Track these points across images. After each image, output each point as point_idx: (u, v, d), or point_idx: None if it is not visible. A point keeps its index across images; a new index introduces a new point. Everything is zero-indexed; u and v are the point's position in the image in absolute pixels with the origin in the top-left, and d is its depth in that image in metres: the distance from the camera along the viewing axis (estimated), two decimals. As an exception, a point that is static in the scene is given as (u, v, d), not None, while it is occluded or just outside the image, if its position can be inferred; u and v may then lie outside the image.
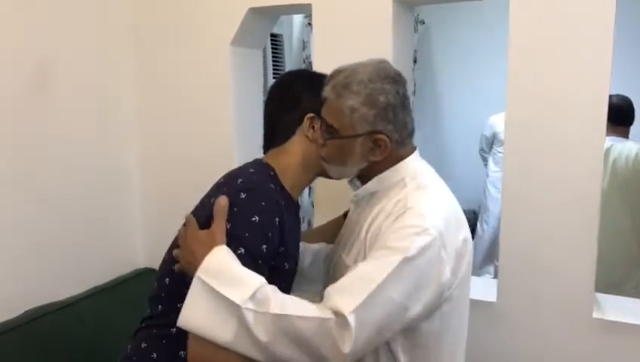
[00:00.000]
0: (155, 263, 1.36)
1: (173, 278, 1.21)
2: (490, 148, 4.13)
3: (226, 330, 1.00)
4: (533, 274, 1.59)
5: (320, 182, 1.79)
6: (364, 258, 1.10)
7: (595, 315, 1.54)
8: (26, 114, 1.75)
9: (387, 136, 1.15)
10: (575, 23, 1.47)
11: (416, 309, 1.04)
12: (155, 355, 1.21)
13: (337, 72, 1.19)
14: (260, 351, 0.99)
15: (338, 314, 0.97)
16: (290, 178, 1.27)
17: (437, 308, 1.10)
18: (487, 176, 4.16)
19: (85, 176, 1.96)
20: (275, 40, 3.44)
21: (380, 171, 1.21)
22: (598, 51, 1.45)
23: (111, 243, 2.07)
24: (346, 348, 0.96)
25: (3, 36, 1.68)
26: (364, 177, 1.25)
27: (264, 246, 1.13)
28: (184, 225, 1.17)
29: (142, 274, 2.08)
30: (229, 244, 1.09)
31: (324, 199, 1.88)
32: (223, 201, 1.11)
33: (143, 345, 1.23)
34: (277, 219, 1.16)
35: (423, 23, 4.53)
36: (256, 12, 1.94)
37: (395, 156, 1.20)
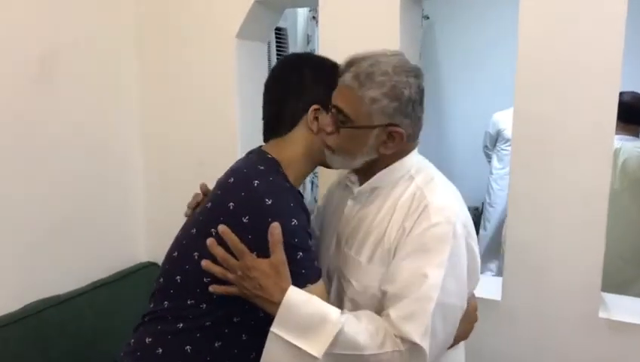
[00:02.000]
0: (158, 257, 1.35)
1: (185, 277, 1.19)
2: (494, 145, 4.11)
3: None
4: (538, 273, 1.57)
5: (323, 177, 1.78)
6: (393, 256, 1.12)
7: (601, 315, 1.53)
8: (29, 107, 1.74)
9: (403, 130, 1.14)
10: (586, 19, 1.45)
11: (465, 302, 1.12)
12: (160, 350, 1.19)
13: (359, 60, 1.15)
14: None
15: (410, 342, 1.01)
16: (294, 170, 1.25)
17: None
18: (491, 173, 4.15)
19: (88, 169, 1.95)
20: (280, 34, 3.42)
21: (384, 165, 1.20)
22: (609, 47, 1.44)
23: (113, 237, 2.06)
24: None
25: (5, 28, 1.66)
26: (362, 171, 1.23)
27: (310, 242, 1.15)
28: (205, 231, 1.15)
29: (144, 269, 2.07)
30: (287, 256, 1.08)
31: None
32: (276, 230, 1.06)
33: (148, 339, 1.21)
34: (304, 215, 1.16)
35: (427, 17, 4.51)
36: (261, 5, 1.92)
37: (400, 150, 1.19)
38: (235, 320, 1.18)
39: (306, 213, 1.18)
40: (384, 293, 1.09)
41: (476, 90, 4.58)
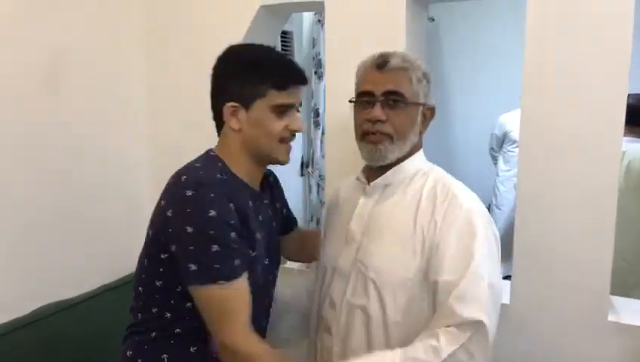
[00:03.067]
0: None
1: (143, 286, 1.23)
2: (501, 147, 4.10)
3: None
4: (547, 276, 1.57)
5: (329, 179, 1.78)
6: (431, 248, 1.18)
7: (610, 318, 1.52)
8: (36, 110, 1.75)
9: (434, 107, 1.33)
10: (593, 20, 1.45)
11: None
12: (140, 361, 1.22)
13: (391, 52, 1.30)
14: None
15: (471, 321, 1.09)
16: (238, 165, 1.24)
17: None
18: (497, 175, 4.13)
19: (94, 173, 1.96)
20: (285, 37, 3.42)
21: (397, 162, 1.29)
22: (617, 49, 1.43)
23: (119, 241, 2.07)
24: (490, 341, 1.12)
25: (13, 33, 1.67)
26: (373, 170, 1.32)
27: (233, 234, 1.12)
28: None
29: (151, 273, 2.06)
30: (199, 247, 1.09)
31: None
32: None
33: (129, 353, 1.25)
34: (231, 205, 1.14)
35: (432, 20, 4.50)
36: (267, 10, 1.93)
37: (416, 146, 1.32)
38: (203, 327, 1.17)
39: (239, 207, 1.15)
40: (435, 284, 1.15)
41: (481, 92, 4.57)
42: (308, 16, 3.79)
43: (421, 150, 1.35)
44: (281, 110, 1.22)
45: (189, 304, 1.16)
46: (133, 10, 2.08)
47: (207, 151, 1.27)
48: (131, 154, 2.13)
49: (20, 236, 1.71)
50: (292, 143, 1.30)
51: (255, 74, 1.20)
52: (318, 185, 3.84)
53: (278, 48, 3.24)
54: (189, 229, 1.09)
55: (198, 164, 1.20)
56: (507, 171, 4.03)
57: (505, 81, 4.20)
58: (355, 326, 1.26)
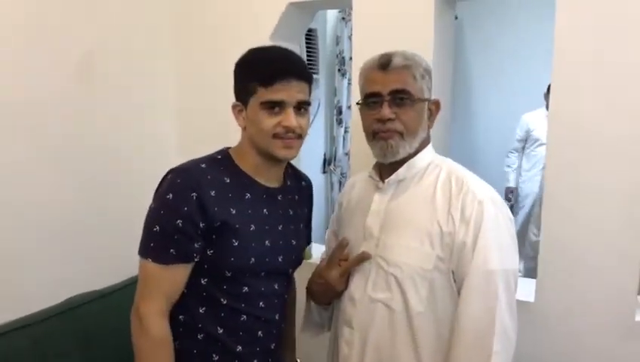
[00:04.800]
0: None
1: None
2: (524, 146, 4.07)
3: None
4: (573, 275, 1.56)
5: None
6: (452, 241, 1.23)
7: (637, 318, 1.51)
8: (68, 107, 1.80)
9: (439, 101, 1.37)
10: (624, 17, 1.44)
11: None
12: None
13: (392, 52, 1.33)
14: None
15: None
16: (246, 161, 1.30)
17: None
18: (520, 174, 4.11)
19: (126, 165, 2.00)
20: (309, 35, 3.44)
21: (409, 157, 1.32)
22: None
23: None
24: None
25: (45, 30, 1.72)
26: (384, 166, 1.36)
27: (179, 221, 1.17)
28: None
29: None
30: (148, 223, 1.21)
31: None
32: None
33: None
34: (194, 194, 1.18)
35: (456, 18, 4.47)
36: (295, 7, 1.95)
37: (425, 140, 1.36)
38: (201, 310, 1.27)
39: (208, 198, 1.20)
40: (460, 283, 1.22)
41: (505, 91, 4.54)
42: (332, 14, 3.80)
43: (430, 144, 1.38)
44: (270, 106, 1.22)
45: (202, 309, 1.26)
46: (161, 8, 2.11)
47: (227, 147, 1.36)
48: (161, 151, 2.17)
49: (51, 230, 1.75)
50: (307, 140, 1.32)
51: (246, 73, 1.26)
52: (340, 183, 3.86)
53: (303, 45, 3.26)
54: (152, 205, 1.23)
55: (202, 156, 1.31)
56: (528, 171, 4.00)
57: (528, 79, 4.17)
58: (376, 320, 1.29)
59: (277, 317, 1.36)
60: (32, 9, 1.68)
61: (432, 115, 1.36)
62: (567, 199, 1.55)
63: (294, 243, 1.39)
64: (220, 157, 1.30)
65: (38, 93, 1.70)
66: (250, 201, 1.27)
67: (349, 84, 3.65)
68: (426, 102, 1.33)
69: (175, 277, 1.23)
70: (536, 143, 3.91)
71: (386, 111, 1.27)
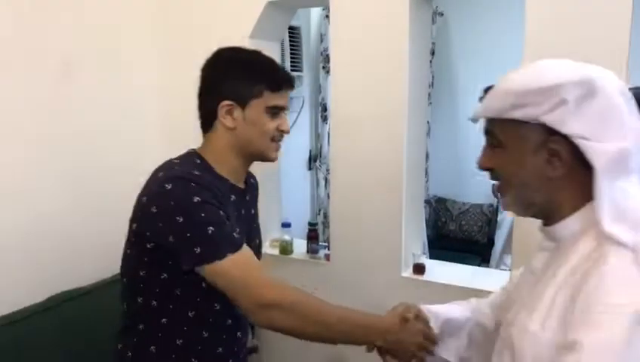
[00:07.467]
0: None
1: (129, 276, 1.28)
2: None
3: None
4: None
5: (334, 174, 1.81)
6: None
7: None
8: (51, 107, 1.80)
9: None
10: (592, 14, 1.47)
11: None
12: (130, 354, 1.28)
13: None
14: None
15: None
16: (223, 165, 1.28)
17: None
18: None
19: (109, 166, 2.01)
20: (293, 32, 3.45)
21: None
22: (615, 41, 1.45)
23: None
24: None
25: (29, 31, 1.72)
26: None
27: (220, 212, 1.17)
28: None
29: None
30: (195, 232, 1.12)
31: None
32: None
33: (119, 346, 1.31)
34: (210, 192, 1.17)
35: (442, 14, 4.50)
36: (274, 5, 1.96)
37: None
38: (190, 314, 1.22)
39: (219, 198, 1.18)
40: None
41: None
42: (316, 12, 3.81)
43: None
44: (274, 111, 1.26)
45: (177, 291, 1.21)
46: (142, 7, 2.12)
47: (188, 151, 1.32)
48: (143, 145, 2.18)
49: (38, 225, 1.76)
50: (292, 137, 1.36)
51: (252, 75, 1.25)
52: (326, 180, 3.88)
53: (287, 43, 3.27)
54: (180, 219, 1.12)
55: (176, 160, 1.26)
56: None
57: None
58: None
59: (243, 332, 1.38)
60: (12, 9, 1.69)
61: None
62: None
63: (258, 241, 1.43)
64: (198, 161, 1.26)
65: (18, 94, 1.71)
66: (234, 203, 1.28)
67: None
68: None
69: (249, 251, 1.19)
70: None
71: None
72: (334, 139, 1.99)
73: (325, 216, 3.83)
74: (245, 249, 1.17)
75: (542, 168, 0.88)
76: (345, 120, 1.91)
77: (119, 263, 1.31)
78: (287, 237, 2.19)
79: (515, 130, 0.90)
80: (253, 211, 1.42)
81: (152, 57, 2.17)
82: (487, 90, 0.97)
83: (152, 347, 1.25)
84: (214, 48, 2.03)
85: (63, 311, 1.69)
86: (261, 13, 1.95)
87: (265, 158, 1.31)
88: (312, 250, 2.17)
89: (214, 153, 1.28)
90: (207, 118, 1.29)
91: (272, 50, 2.15)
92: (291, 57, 3.38)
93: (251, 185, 1.43)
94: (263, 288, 1.14)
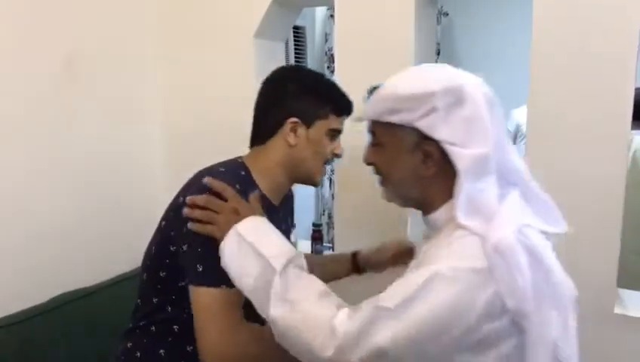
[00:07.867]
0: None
1: (149, 274, 1.25)
2: (514, 141, 4.09)
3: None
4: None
5: (339, 173, 1.80)
6: None
7: (617, 311, 1.52)
8: (54, 107, 1.80)
9: None
10: (600, 14, 1.45)
11: None
12: (138, 354, 1.26)
13: None
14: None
15: None
16: (267, 179, 1.26)
17: None
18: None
19: (112, 167, 2.00)
20: (298, 32, 3.44)
21: None
22: (623, 39, 1.43)
23: (136, 232, 2.10)
24: None
25: (32, 29, 1.72)
26: None
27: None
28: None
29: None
30: (206, 250, 1.09)
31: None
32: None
33: (129, 344, 1.28)
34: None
35: (447, 14, 4.49)
36: (279, 4, 1.95)
37: None
38: None
39: None
40: None
41: (496, 87, 4.52)
42: (321, 11, 3.81)
43: None
44: (334, 134, 1.29)
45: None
46: (146, 6, 2.12)
47: (236, 158, 1.30)
48: (146, 146, 2.18)
49: (37, 228, 1.76)
50: None
51: (321, 96, 1.26)
52: (330, 179, 3.86)
53: (291, 43, 3.27)
54: (201, 237, 1.11)
55: (222, 169, 1.23)
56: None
57: (520, 75, 4.17)
58: None
59: None
60: (16, 9, 1.68)
61: None
62: (546, 192, 1.56)
63: None
64: (243, 173, 1.23)
65: (19, 94, 1.70)
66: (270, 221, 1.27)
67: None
68: None
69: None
70: (525, 137, 3.92)
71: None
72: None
73: (330, 216, 3.82)
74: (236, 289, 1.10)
75: (417, 167, 0.99)
76: (350, 119, 1.89)
77: (121, 265, 1.32)
78: (291, 238, 2.17)
79: (393, 133, 0.99)
80: (283, 227, 1.38)
81: (157, 57, 2.16)
82: (371, 90, 1.05)
83: (161, 350, 1.24)
84: (219, 47, 2.04)
85: (66, 312, 1.69)
86: (266, 13, 1.93)
87: (310, 180, 1.31)
88: (316, 251, 2.15)
89: (262, 166, 1.27)
90: (267, 131, 1.27)
91: (277, 50, 2.14)
92: (296, 57, 3.38)
93: (287, 199, 1.43)
94: (222, 334, 1.08)
